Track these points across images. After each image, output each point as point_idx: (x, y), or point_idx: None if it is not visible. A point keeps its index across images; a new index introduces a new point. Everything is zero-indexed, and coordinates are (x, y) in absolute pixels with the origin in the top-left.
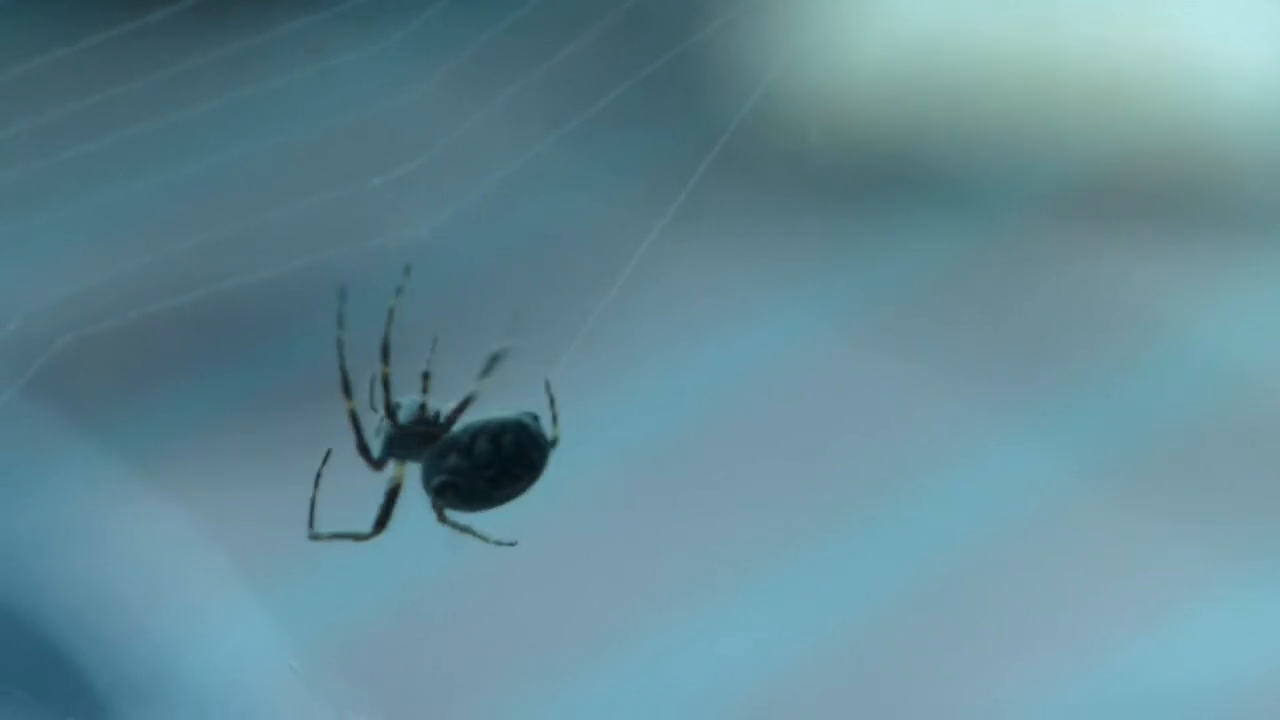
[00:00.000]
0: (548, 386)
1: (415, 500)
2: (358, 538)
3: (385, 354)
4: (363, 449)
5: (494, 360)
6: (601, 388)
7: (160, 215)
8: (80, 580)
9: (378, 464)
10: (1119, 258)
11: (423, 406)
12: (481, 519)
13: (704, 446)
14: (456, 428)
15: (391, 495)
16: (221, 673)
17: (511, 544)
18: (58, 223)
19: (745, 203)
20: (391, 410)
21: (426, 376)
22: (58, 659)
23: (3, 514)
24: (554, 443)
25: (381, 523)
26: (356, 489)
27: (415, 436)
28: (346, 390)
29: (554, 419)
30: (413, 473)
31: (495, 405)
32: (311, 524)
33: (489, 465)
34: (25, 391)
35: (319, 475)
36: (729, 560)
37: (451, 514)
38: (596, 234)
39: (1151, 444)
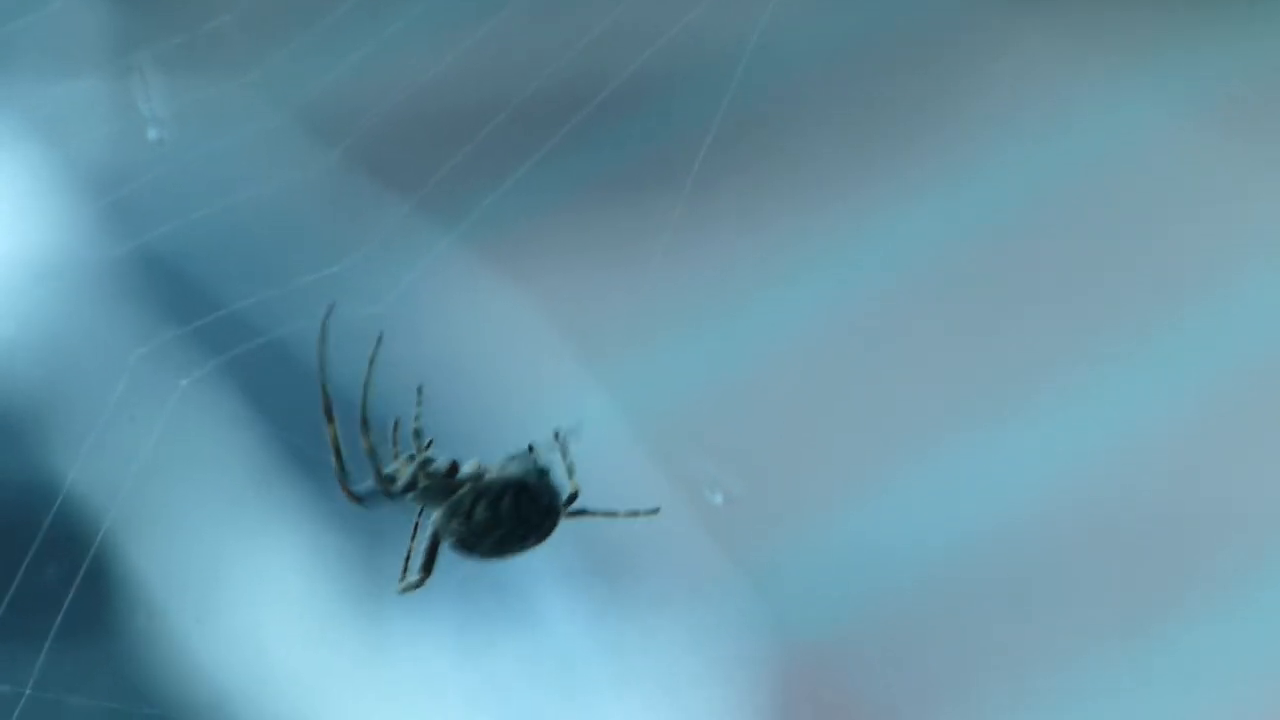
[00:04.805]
0: (557, 436)
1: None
2: (409, 588)
3: (419, 401)
4: (346, 487)
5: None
6: (945, 158)
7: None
8: (423, 362)
9: (361, 500)
10: None
11: (426, 458)
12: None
13: (1040, 224)
14: (466, 484)
15: (434, 543)
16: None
17: (652, 512)
18: (412, 9)
19: None
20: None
21: (418, 434)
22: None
23: (350, 298)
24: (573, 496)
25: (427, 568)
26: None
27: (428, 489)
28: (328, 413)
29: (569, 473)
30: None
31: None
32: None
33: (489, 529)
34: (371, 173)
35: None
36: (1067, 341)
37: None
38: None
39: None
